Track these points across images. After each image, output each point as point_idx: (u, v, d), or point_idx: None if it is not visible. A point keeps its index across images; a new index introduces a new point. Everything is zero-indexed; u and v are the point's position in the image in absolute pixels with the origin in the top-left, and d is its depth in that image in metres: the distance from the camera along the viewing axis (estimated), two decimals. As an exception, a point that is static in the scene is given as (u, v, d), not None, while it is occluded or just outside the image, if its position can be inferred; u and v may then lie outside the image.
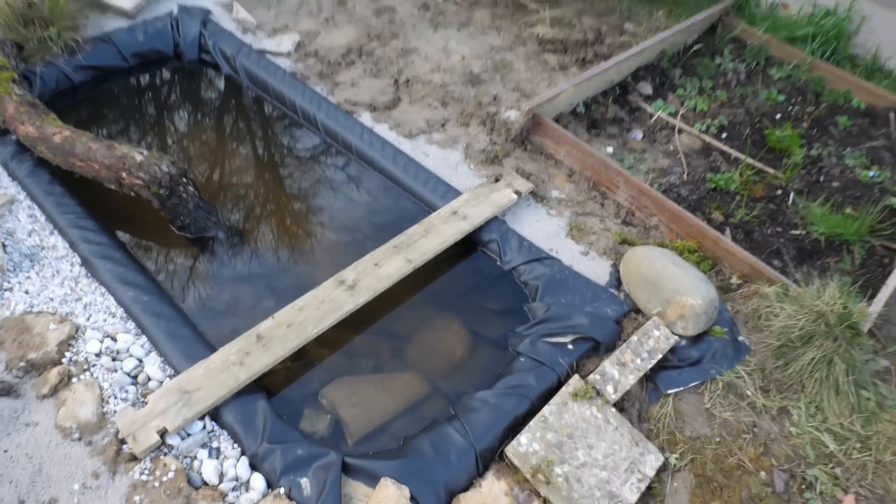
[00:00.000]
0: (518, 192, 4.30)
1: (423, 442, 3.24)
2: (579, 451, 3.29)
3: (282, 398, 3.55)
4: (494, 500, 3.14)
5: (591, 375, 3.53)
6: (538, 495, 3.20)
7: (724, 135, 5.23)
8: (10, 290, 3.70)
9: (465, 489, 3.17)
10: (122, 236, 4.21)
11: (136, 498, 2.97)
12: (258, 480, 3.10)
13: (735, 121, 5.37)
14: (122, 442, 3.15)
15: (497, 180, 4.43)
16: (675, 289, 3.73)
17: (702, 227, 4.15)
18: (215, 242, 4.26)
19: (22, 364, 3.33)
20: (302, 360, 3.69)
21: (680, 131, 5.19)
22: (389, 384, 3.68)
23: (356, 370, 3.73)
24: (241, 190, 4.68)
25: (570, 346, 3.65)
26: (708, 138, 5.08)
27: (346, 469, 3.12)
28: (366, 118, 4.98)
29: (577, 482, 3.20)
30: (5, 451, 3.06)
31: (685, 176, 4.80)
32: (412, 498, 3.01)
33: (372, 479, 3.10)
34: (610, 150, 4.99)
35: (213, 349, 3.53)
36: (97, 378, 3.36)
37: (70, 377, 3.35)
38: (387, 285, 3.79)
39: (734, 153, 4.92)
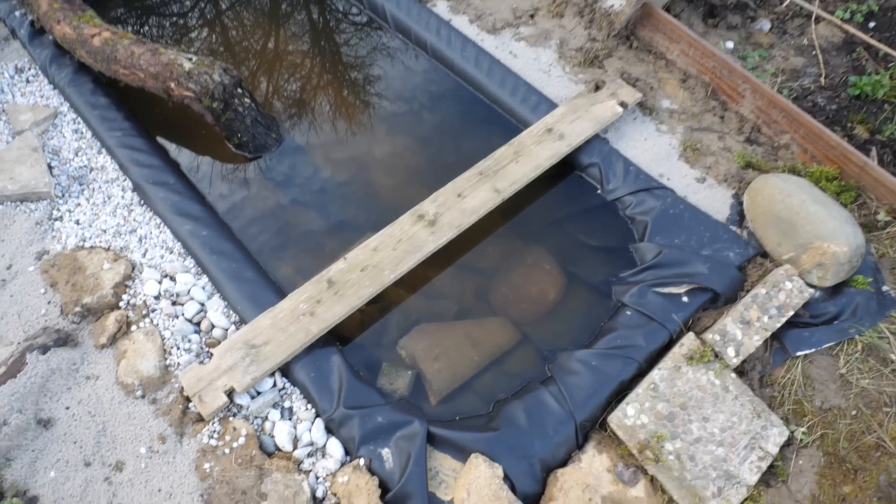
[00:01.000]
0: (623, 104, 3.66)
1: (515, 410, 2.88)
2: (693, 423, 2.89)
3: (356, 348, 3.22)
4: (596, 478, 2.80)
5: (709, 334, 3.06)
6: (644, 472, 2.85)
7: (872, 24, 4.34)
8: (60, 219, 3.38)
9: (563, 464, 2.84)
10: (176, 155, 3.78)
11: (207, 466, 2.74)
12: (335, 447, 2.82)
13: (888, 5, 4.44)
14: (188, 400, 2.89)
15: (598, 88, 3.77)
16: (814, 232, 3.14)
17: (844, 150, 3.47)
18: (277, 162, 3.80)
19: (77, 309, 3.05)
20: (377, 303, 3.32)
21: (817, 20, 4.32)
22: (474, 332, 3.29)
23: (436, 315, 3.35)
24: (304, 101, 4.14)
25: (684, 299, 3.16)
26: (852, 29, 4.21)
27: (430, 439, 2.81)
28: (441, 8, 4.28)
29: (690, 460, 2.82)
30: (67, 409, 2.84)
31: (822, 79, 4.02)
32: (505, 476, 2.70)
33: (460, 452, 2.79)
34: (730, 44, 4.21)
35: (280, 292, 3.18)
36: (157, 325, 3.07)
37: (129, 324, 3.06)
38: (472, 220, 3.31)
39: (885, 49, 4.07)
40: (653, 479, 2.83)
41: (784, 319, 3.08)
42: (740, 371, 3.07)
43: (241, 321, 3.14)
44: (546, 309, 3.40)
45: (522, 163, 3.44)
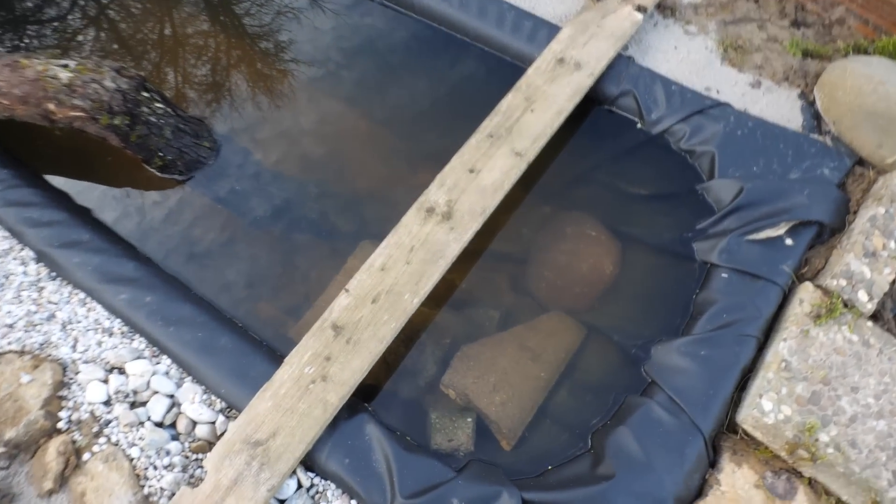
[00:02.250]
0: (641, 8, 2.86)
1: (624, 440, 2.18)
2: (842, 399, 2.25)
3: (389, 401, 2.45)
4: (748, 501, 2.14)
5: (829, 280, 2.39)
6: (799, 476, 2.20)
7: None
8: (-57, 323, 2.45)
9: (699, 494, 2.17)
10: (82, 199, 2.84)
11: None
12: (403, 549, 2.09)
13: None
14: (191, 541, 2.09)
15: (600, -6, 2.96)
16: (927, 121, 2.47)
17: (916, 9, 2.78)
18: (219, 175, 2.91)
19: (1, 450, 2.18)
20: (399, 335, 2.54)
21: None
22: (529, 340, 2.55)
23: (476, 330, 2.59)
24: (229, 87, 3.21)
25: (788, 241, 2.47)
26: None
27: (528, 510, 2.10)
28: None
29: (852, 447, 2.19)
30: None
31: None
32: (640, 537, 2.02)
33: (571, 519, 2.09)
34: None
35: (273, 354, 2.37)
36: (119, 444, 2.23)
37: (79, 452, 2.21)
38: (497, 201, 2.53)
39: None
40: (811, 483, 2.19)
41: (916, 239, 2.43)
42: (874, 317, 2.42)
43: (231, 407, 2.33)
44: (605, 287, 2.68)
45: (539, 110, 2.64)
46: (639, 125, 2.83)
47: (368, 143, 2.98)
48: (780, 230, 2.47)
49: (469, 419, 2.36)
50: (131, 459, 2.21)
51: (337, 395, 2.21)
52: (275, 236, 2.77)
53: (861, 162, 2.63)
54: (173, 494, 2.15)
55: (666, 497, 2.08)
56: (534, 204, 2.85)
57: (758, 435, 2.22)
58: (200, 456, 2.26)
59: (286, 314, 2.64)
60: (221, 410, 2.34)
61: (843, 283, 2.37)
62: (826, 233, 2.53)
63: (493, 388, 2.42)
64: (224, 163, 2.91)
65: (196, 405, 2.32)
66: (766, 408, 2.21)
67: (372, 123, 3.03)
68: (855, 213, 2.53)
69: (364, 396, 2.39)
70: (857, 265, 2.39)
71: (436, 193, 2.51)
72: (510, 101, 2.68)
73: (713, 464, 2.22)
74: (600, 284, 2.69)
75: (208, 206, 2.82)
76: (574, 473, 2.18)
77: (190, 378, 2.39)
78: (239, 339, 2.39)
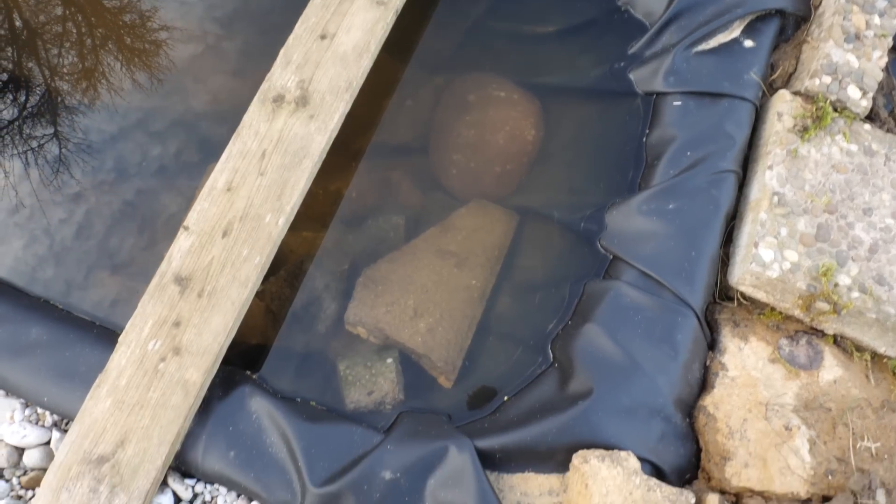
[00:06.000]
0: None
1: (595, 341, 1.63)
2: (856, 227, 1.73)
3: (280, 361, 1.84)
4: (765, 384, 1.64)
5: (806, 81, 1.84)
6: (821, 336, 1.70)
7: None
8: None
9: (704, 387, 1.65)
10: None
11: None
12: (333, 551, 1.52)
13: None
14: None
15: None
16: None
17: None
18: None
19: None
20: (275, 272, 1.91)
21: None
22: (449, 244, 1.96)
23: (380, 244, 1.98)
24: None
25: (747, 43, 1.90)
26: None
27: (488, 462, 1.54)
28: None
29: (879, 284, 1.68)
30: None
31: None
32: (642, 461, 1.49)
33: (546, 458, 1.55)
34: None
35: (107, 335, 1.73)
36: None
37: None
38: (365, 69, 1.88)
39: None
40: (837, 340, 1.70)
41: (905, 7, 1.89)
42: (869, 118, 1.90)
43: (65, 418, 1.69)
44: (530, 157, 2.09)
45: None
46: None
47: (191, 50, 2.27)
48: (734, 31, 1.89)
49: (390, 360, 1.78)
50: (-70, 523, 1.57)
51: (199, 369, 1.59)
52: (97, 185, 2.08)
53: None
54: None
55: (664, 403, 1.55)
56: (419, 77, 2.22)
57: (760, 296, 1.69)
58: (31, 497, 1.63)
59: (132, 281, 1.98)
60: (55, 424, 1.70)
61: (828, 80, 1.82)
62: (790, 26, 1.97)
63: (413, 313, 1.83)
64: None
65: (17, 426, 1.67)
66: (766, 258, 1.67)
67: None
68: (822, -8, 1.97)
69: (246, 363, 1.77)
70: (840, 54, 1.84)
71: (282, 75, 1.85)
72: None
73: (712, 345, 1.69)
74: (523, 156, 2.09)
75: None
76: (539, 399, 1.63)
77: (1, 392, 1.73)
78: (57, 327, 1.73)
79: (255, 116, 1.81)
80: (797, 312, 1.68)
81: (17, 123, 2.16)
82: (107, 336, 1.72)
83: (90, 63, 2.44)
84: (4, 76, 2.21)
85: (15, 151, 2.11)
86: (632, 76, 1.96)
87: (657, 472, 1.52)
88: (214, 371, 1.62)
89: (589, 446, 1.50)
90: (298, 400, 1.67)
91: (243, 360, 1.77)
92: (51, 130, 2.13)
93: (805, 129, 1.79)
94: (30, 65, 2.32)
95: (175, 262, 1.68)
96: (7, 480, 1.66)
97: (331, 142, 1.80)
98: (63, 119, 2.16)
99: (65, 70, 2.34)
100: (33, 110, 2.18)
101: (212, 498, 1.61)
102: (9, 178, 2.06)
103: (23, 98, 2.21)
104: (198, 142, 2.12)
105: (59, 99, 2.21)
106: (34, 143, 2.12)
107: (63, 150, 2.11)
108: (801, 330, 1.71)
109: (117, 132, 2.13)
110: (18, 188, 2.05)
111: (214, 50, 2.28)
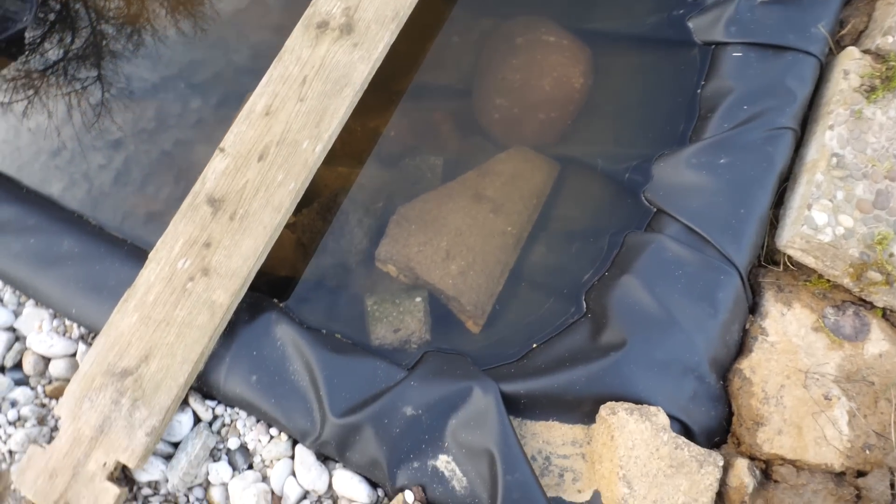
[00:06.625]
0: None
1: (630, 292, 1.57)
2: (917, 195, 1.64)
3: (307, 292, 1.82)
4: (807, 352, 1.57)
5: (878, 39, 1.74)
6: (870, 308, 1.63)
7: None
8: None
9: (740, 350, 1.59)
10: None
11: None
12: (349, 483, 1.52)
13: None
14: (50, 519, 1.50)
15: None
16: None
17: None
18: (47, 34, 2.16)
19: None
20: (309, 204, 1.88)
21: None
22: (486, 189, 1.90)
23: (416, 184, 1.94)
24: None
25: (817, -6, 1.80)
26: None
27: (512, 407, 1.51)
28: None
29: (937, 256, 1.60)
30: None
31: None
32: (672, 419, 1.45)
33: (572, 408, 1.51)
34: None
35: (136, 252, 1.72)
36: (-63, 403, 1.61)
37: None
38: (412, 1, 1.82)
39: None
40: (886, 314, 1.62)
41: None
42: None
43: (91, 331, 1.69)
44: (576, 105, 2.02)
45: None
46: None
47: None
48: (805, -19, 1.79)
49: (418, 299, 1.74)
50: (-43, 422, 1.59)
51: (227, 291, 1.57)
52: (136, 108, 2.06)
53: None
54: (20, 459, 1.55)
55: (699, 361, 1.50)
56: (466, 19, 2.15)
57: (809, 261, 1.62)
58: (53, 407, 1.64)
59: (165, 205, 1.97)
60: (82, 337, 1.71)
61: (891, 39, 1.72)
62: (865, -20, 1.86)
63: (445, 255, 1.79)
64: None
65: (44, 335, 1.68)
66: (819, 221, 1.59)
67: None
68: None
69: (274, 293, 1.75)
70: (916, 10, 1.73)
71: (327, 1, 1.79)
72: None
73: (753, 309, 1.63)
74: (569, 104, 2.02)
75: (30, 78, 2.08)
76: (569, 348, 1.58)
77: (32, 301, 1.74)
78: (88, 241, 1.73)
79: (297, 42, 1.76)
80: (846, 281, 1.60)
81: (62, 64, 2.14)
82: (137, 254, 1.71)
83: (136, 8, 2.41)
84: (52, 16, 2.19)
85: (59, 92, 2.09)
86: (690, 24, 1.87)
87: (686, 431, 1.47)
88: (242, 295, 1.61)
89: (618, 399, 1.46)
90: (324, 332, 1.65)
91: (271, 290, 1.75)
92: (95, 74, 2.11)
93: (872, 90, 1.69)
94: (76, 6, 2.30)
95: (209, 183, 1.66)
96: (32, 388, 1.67)
97: (373, 72, 1.75)
98: (107, 63, 2.13)
99: (111, 13, 2.31)
100: (78, 52, 2.16)
101: (231, 421, 1.61)
102: (52, 119, 2.05)
103: (69, 39, 2.19)
104: (237, 96, 2.07)
105: (104, 43, 2.19)
106: (78, 86, 2.10)
107: (106, 94, 2.09)
108: (849, 300, 1.63)
109: (159, 81, 2.10)
110: (61, 130, 2.04)
111: (259, 4, 2.23)
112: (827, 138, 1.66)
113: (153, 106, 2.06)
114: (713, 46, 1.82)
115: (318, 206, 1.89)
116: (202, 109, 2.07)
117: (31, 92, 2.09)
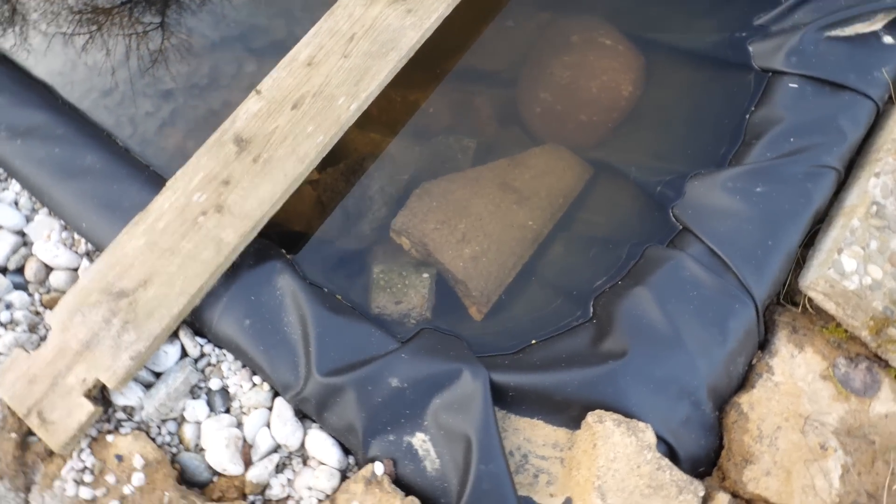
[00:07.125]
0: None
1: (640, 304, 1.53)
2: (954, 259, 1.58)
3: (318, 249, 1.80)
4: (810, 397, 1.51)
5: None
6: (885, 366, 1.57)
7: None
8: None
9: (741, 385, 1.54)
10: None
11: (82, 540, 1.40)
12: (322, 445, 1.50)
13: None
14: (22, 424, 1.50)
15: None
16: None
17: None
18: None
19: None
20: (336, 163, 1.87)
21: None
22: (515, 179, 1.87)
23: (446, 164, 1.91)
24: None
25: (886, 39, 1.74)
26: None
27: (499, 397, 1.48)
28: None
29: (964, 325, 1.53)
30: None
31: None
32: (659, 440, 1.40)
33: (560, 410, 1.48)
34: None
35: (156, 180, 1.71)
36: (-64, 293, 1.61)
37: None
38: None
39: None
40: (901, 374, 1.56)
41: None
42: None
43: (97, 248, 1.69)
44: (620, 113, 1.98)
45: None
46: None
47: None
48: (876, 24, 1.73)
49: (426, 275, 1.72)
50: (-49, 315, 1.59)
51: (236, 231, 1.56)
52: (193, 61, 2.05)
53: None
54: (4, 360, 1.54)
55: (697, 386, 1.45)
56: (526, 8, 2.12)
57: (830, 307, 1.56)
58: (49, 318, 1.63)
59: (187, 141, 1.96)
60: (87, 254, 1.70)
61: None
62: (939, 34, 1.80)
63: (461, 237, 1.76)
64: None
65: (51, 245, 1.68)
66: (848, 267, 1.54)
67: None
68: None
69: (286, 245, 1.73)
70: None
71: (390, -38, 1.78)
72: None
73: (762, 345, 1.57)
74: (614, 111, 1.98)
75: (101, 13, 2.09)
76: (567, 349, 1.55)
77: (46, 209, 1.74)
78: (112, 159, 1.72)
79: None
80: (864, 334, 1.54)
81: (128, 6, 2.14)
82: (156, 180, 1.70)
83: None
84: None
85: (121, 33, 2.08)
86: (751, 48, 1.82)
87: (672, 454, 1.43)
88: (251, 238, 1.59)
89: (608, 408, 1.42)
90: (325, 290, 1.63)
91: (282, 242, 1.74)
92: (158, 20, 2.11)
93: (927, 145, 1.63)
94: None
95: (239, 123, 1.65)
96: (30, 294, 1.67)
97: (422, 41, 1.73)
98: (172, 13, 2.12)
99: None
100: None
101: (217, 362, 1.59)
102: (109, 58, 2.05)
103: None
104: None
105: None
106: (140, 29, 2.09)
107: (165, 43, 2.08)
108: (864, 354, 1.57)
109: (219, 41, 2.09)
110: (116, 71, 2.03)
111: None
112: (871, 185, 1.60)
113: (208, 63, 2.05)
114: (770, 74, 1.77)
115: (343, 168, 1.88)
116: (256, 75, 2.05)
117: (94, 27, 2.09)
